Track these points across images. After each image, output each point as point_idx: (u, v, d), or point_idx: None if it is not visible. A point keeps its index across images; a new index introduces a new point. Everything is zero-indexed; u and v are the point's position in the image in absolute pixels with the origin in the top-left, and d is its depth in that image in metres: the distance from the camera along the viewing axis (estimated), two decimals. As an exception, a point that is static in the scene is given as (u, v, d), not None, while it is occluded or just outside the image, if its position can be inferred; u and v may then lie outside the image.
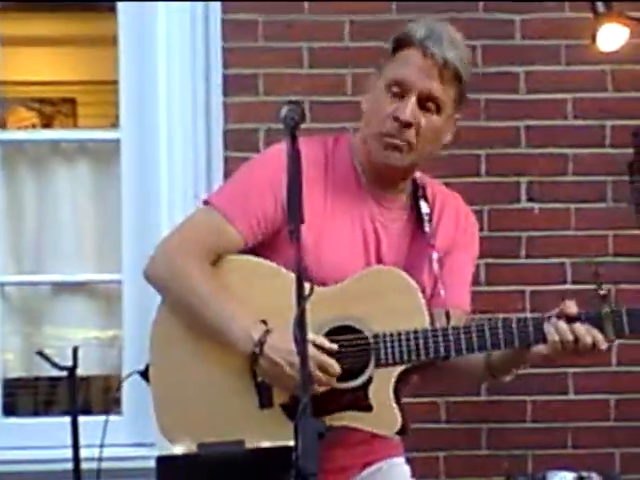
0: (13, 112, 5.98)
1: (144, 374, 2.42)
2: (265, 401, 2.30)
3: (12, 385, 3.59)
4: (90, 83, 5.95)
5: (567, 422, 3.41)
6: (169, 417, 2.35)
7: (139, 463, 3.20)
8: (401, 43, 2.34)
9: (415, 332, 2.28)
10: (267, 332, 2.26)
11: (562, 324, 2.25)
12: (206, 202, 2.42)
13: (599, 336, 2.26)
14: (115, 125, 3.55)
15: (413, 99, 2.31)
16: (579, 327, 2.25)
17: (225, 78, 3.40)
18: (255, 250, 2.37)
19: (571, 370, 3.41)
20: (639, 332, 2.26)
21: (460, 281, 2.47)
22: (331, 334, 2.30)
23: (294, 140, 2.17)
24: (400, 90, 2.32)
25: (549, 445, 3.40)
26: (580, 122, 3.47)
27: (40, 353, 2.77)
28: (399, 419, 2.29)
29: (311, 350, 2.19)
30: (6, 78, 3.48)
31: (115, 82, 3.49)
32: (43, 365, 2.81)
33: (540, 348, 2.27)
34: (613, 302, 2.31)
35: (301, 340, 1.93)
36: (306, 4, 3.42)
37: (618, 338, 2.28)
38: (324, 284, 2.27)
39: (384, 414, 2.28)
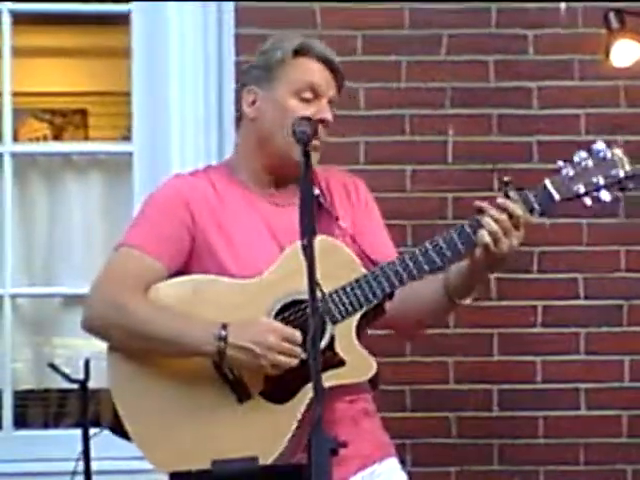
0: (24, 123, 6.00)
1: (114, 430, 2.44)
2: (242, 395, 2.34)
3: (23, 397, 3.59)
4: (101, 94, 5.96)
5: (579, 438, 3.40)
6: (158, 452, 2.37)
7: (149, 476, 3.19)
8: (298, 52, 2.47)
9: (356, 280, 2.36)
10: (225, 325, 2.31)
11: (492, 210, 2.30)
12: (120, 245, 2.48)
13: (522, 209, 2.31)
14: (126, 136, 3.56)
15: (324, 100, 2.47)
16: (505, 203, 2.30)
17: (238, 91, 3.39)
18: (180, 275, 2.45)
19: (583, 386, 3.41)
20: (546, 204, 2.34)
21: (383, 243, 2.55)
22: (281, 313, 2.36)
23: (307, 155, 2.19)
24: (313, 95, 2.46)
25: (561, 461, 3.39)
26: (593, 137, 3.42)
27: (52, 365, 2.77)
28: (372, 361, 2.35)
29: (269, 325, 2.31)
30: (17, 89, 3.48)
31: (126, 94, 3.50)
32: (54, 377, 2.81)
33: (482, 234, 2.28)
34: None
35: (313, 357, 1.93)
36: (319, 18, 3.43)
37: (531, 213, 2.33)
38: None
39: (358, 361, 2.35)
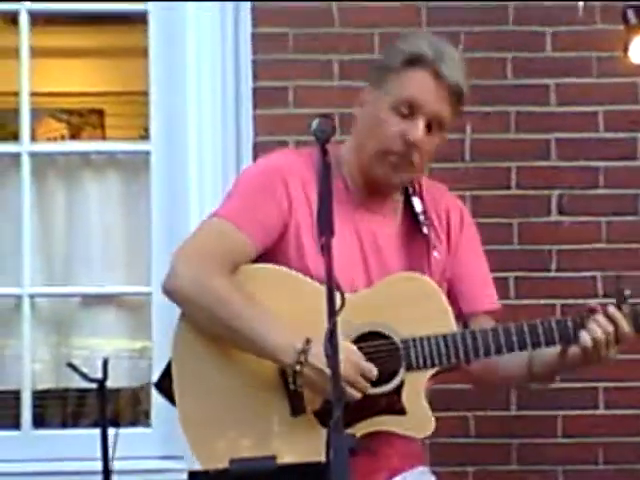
0: (42, 123, 6.02)
1: (159, 385, 2.41)
2: (297, 408, 2.31)
3: (41, 397, 3.60)
4: (118, 94, 5.98)
5: (598, 437, 3.38)
6: (197, 434, 2.34)
7: (168, 476, 3.20)
8: (410, 62, 2.35)
9: (444, 335, 2.31)
10: (309, 341, 2.26)
11: (602, 317, 2.30)
12: (214, 215, 2.42)
13: (629, 325, 2.31)
14: (143, 136, 3.56)
15: (423, 120, 2.34)
16: (614, 313, 2.29)
17: (255, 91, 3.40)
18: (261, 259, 2.38)
19: (602, 385, 3.39)
20: None
21: (482, 282, 2.50)
22: (358, 341, 2.31)
23: (325, 154, 2.18)
24: (410, 111, 2.34)
25: (580, 461, 3.37)
26: (611, 134, 3.44)
27: (70, 365, 2.77)
28: (432, 420, 2.33)
29: (351, 356, 2.23)
30: (35, 89, 3.49)
31: (143, 93, 3.50)
32: (72, 377, 2.82)
33: (584, 338, 2.28)
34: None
35: (332, 354, 1.93)
36: (336, 17, 3.42)
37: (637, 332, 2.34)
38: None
39: (418, 416, 2.32)
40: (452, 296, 2.46)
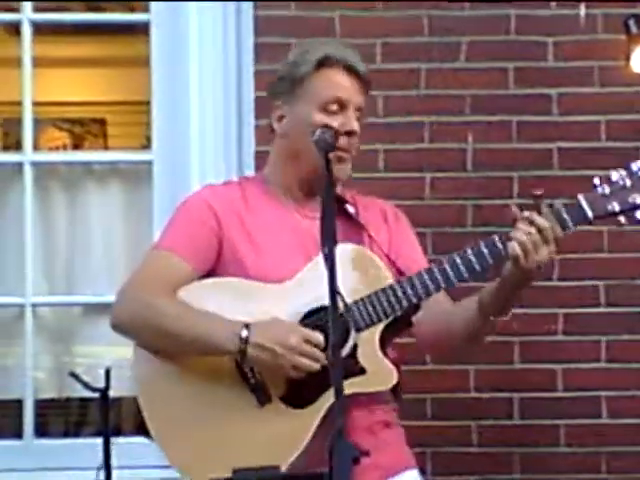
0: (44, 132, 6.02)
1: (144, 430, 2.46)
2: (263, 398, 2.35)
3: (43, 406, 3.59)
4: (120, 104, 5.99)
5: (601, 446, 3.38)
6: (176, 449, 2.38)
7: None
8: (321, 64, 2.48)
9: (383, 290, 2.37)
10: (247, 325, 2.33)
11: (521, 224, 2.29)
12: (152, 248, 2.57)
13: (550, 223, 2.31)
14: (145, 145, 3.56)
15: (352, 111, 2.49)
16: (534, 217, 2.30)
17: (257, 100, 3.40)
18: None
19: (604, 394, 3.39)
20: (578, 221, 2.35)
21: (417, 261, 2.55)
22: (305, 319, 2.38)
23: (328, 163, 2.20)
24: (339, 107, 2.47)
25: (583, 470, 3.37)
26: (614, 144, 3.45)
27: (73, 374, 2.77)
28: (393, 369, 2.36)
29: (294, 328, 2.33)
30: (37, 99, 3.50)
31: (144, 103, 3.51)
32: (74, 386, 2.81)
33: (512, 246, 2.27)
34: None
35: (337, 366, 1.93)
36: (338, 27, 3.43)
37: (564, 230, 2.33)
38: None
39: (378, 371, 2.36)
40: (396, 268, 2.53)
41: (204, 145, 3.39)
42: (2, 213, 3.53)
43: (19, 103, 3.45)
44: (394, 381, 2.37)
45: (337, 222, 2.48)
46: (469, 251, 2.35)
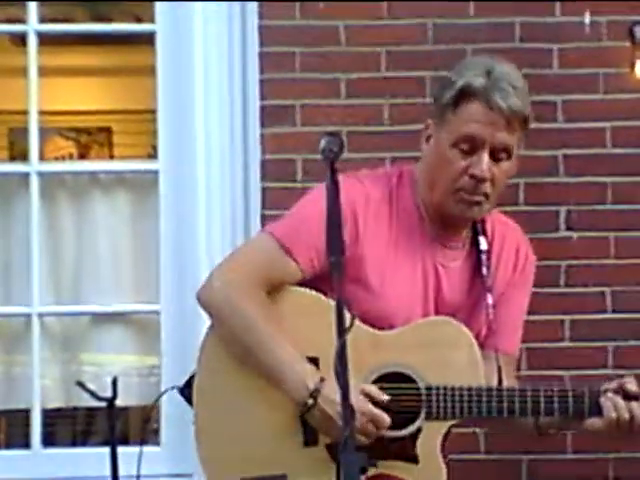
0: (50, 141, 6.04)
1: (183, 391, 2.41)
2: (310, 439, 2.30)
3: (51, 415, 3.60)
4: (125, 112, 6.00)
5: (608, 453, 3.37)
6: (209, 448, 2.34)
7: (177, 494, 3.20)
8: (461, 96, 2.32)
9: (469, 389, 2.27)
10: (322, 381, 2.24)
11: (620, 400, 2.27)
12: (267, 231, 2.41)
13: None
14: (151, 154, 3.57)
15: (486, 153, 2.31)
16: (636, 405, 2.26)
17: (262, 109, 3.41)
18: (312, 283, 2.36)
19: (611, 400, 3.38)
20: None
21: (514, 326, 2.49)
22: (382, 380, 2.29)
23: (333, 171, 2.18)
24: (470, 146, 2.31)
25: (590, 476, 3.36)
26: (619, 150, 3.45)
27: (80, 383, 2.77)
28: (444, 471, 2.30)
29: (362, 403, 2.20)
30: (43, 108, 3.50)
31: (150, 111, 3.52)
32: (82, 395, 2.81)
33: (594, 421, 2.29)
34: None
35: (342, 373, 1.92)
36: (343, 35, 3.43)
37: None
38: (381, 327, 2.26)
39: (430, 467, 2.28)
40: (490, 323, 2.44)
41: (210, 154, 3.39)
42: (9, 223, 3.54)
43: (25, 112, 3.46)
44: None
45: (466, 260, 2.42)
46: (570, 392, 2.30)
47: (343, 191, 2.31)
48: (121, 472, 2.65)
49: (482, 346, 2.40)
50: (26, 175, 3.45)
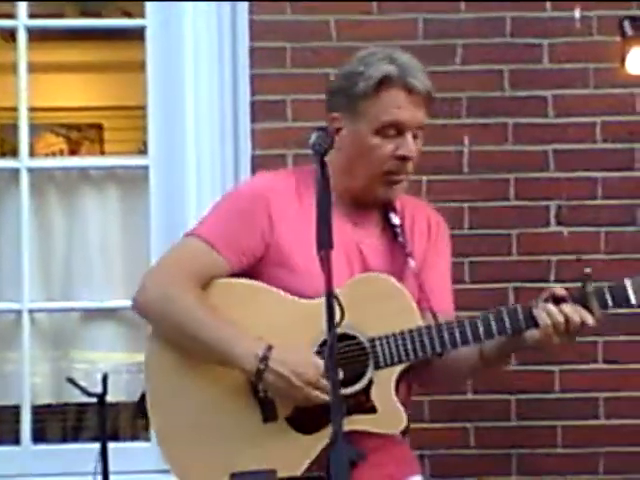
0: (40, 138, 6.03)
1: (139, 405, 2.43)
2: (269, 415, 2.33)
3: (41, 411, 3.59)
4: (116, 109, 5.99)
5: (598, 447, 3.38)
6: (176, 453, 2.37)
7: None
8: (381, 83, 2.41)
9: (410, 331, 2.34)
10: (270, 347, 2.30)
11: (551, 307, 2.32)
12: (190, 234, 2.48)
13: (586, 314, 2.34)
14: (142, 150, 3.56)
15: (410, 135, 2.43)
16: (567, 307, 2.32)
17: (253, 104, 3.41)
18: (243, 275, 2.43)
19: (602, 394, 3.39)
20: (620, 305, 2.35)
21: (443, 288, 2.55)
22: (326, 344, 2.32)
23: (323, 167, 2.19)
24: (396, 131, 2.42)
25: (581, 471, 3.37)
26: (609, 145, 3.45)
27: (70, 380, 2.78)
28: (404, 416, 2.33)
29: (314, 358, 2.29)
30: (33, 104, 3.50)
31: (141, 107, 3.51)
32: (72, 391, 2.82)
33: (533, 333, 2.33)
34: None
35: (332, 367, 1.94)
36: (334, 30, 3.43)
37: (603, 311, 2.36)
38: None
39: (389, 413, 2.32)
40: (423, 290, 2.50)
41: (200, 150, 3.39)
42: (-1, 219, 3.54)
43: (15, 109, 3.45)
44: (402, 427, 2.34)
45: (382, 236, 2.51)
46: (504, 311, 2.35)
47: (254, 184, 2.53)
48: (111, 468, 2.66)
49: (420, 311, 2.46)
50: (16, 171, 3.44)
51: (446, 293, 2.56)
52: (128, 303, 3.43)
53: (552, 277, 3.42)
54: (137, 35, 3.49)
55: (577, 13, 3.45)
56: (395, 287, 2.38)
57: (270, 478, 1.97)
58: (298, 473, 2.30)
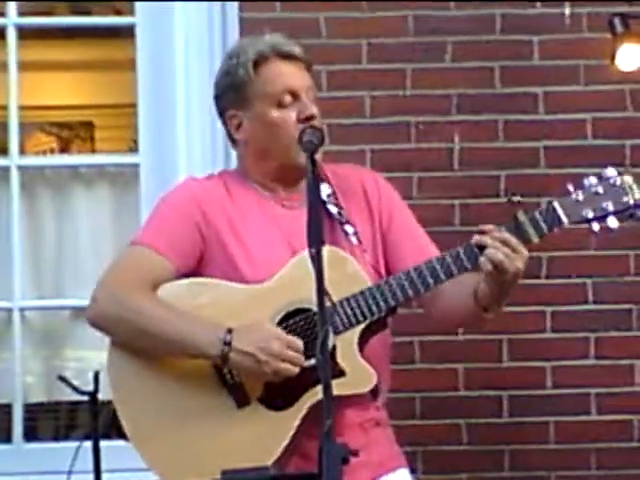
0: (31, 137, 6.01)
1: (113, 424, 2.44)
2: (241, 400, 2.34)
3: (33, 410, 3.59)
4: (107, 107, 5.98)
5: (590, 443, 3.39)
6: (152, 451, 2.37)
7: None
8: (257, 63, 2.47)
9: (361, 292, 2.37)
10: (230, 330, 2.33)
11: (489, 239, 2.33)
12: (132, 243, 2.51)
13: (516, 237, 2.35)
14: (133, 148, 3.56)
15: (304, 96, 2.48)
16: (500, 235, 2.34)
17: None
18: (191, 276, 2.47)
19: (593, 390, 3.40)
20: (553, 226, 2.37)
21: (420, 239, 2.56)
22: (283, 321, 2.37)
23: (314, 164, 2.20)
24: (291, 97, 2.47)
25: (572, 466, 3.38)
26: (600, 142, 3.46)
27: (61, 378, 2.77)
28: (372, 373, 2.36)
29: (276, 330, 2.33)
30: (24, 103, 3.50)
31: (132, 105, 3.51)
32: (63, 390, 2.81)
33: (484, 262, 2.32)
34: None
35: (323, 362, 1.94)
36: (323, 27, 3.43)
37: (540, 238, 2.37)
38: None
39: (358, 373, 2.35)
40: (396, 257, 2.52)
41: (191, 147, 3.39)
42: (-10, 218, 3.53)
43: (5, 107, 3.45)
44: (373, 383, 2.37)
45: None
46: (447, 255, 2.37)
47: (184, 185, 2.55)
48: (103, 466, 2.66)
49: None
50: (6, 169, 3.44)
51: (419, 236, 2.57)
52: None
53: (543, 273, 3.43)
54: (127, 33, 3.49)
55: (567, 10, 3.46)
56: (338, 256, 2.40)
57: (263, 474, 1.97)
58: (280, 450, 2.32)
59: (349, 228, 2.50)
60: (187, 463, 2.33)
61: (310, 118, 2.46)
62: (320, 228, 2.08)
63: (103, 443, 2.66)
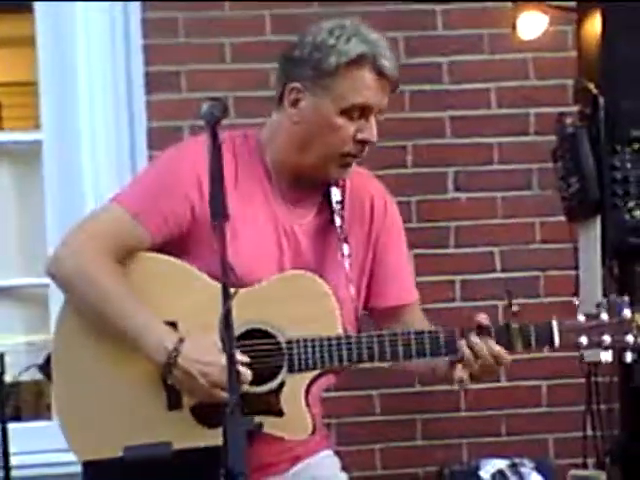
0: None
1: (42, 368, 2.37)
2: (174, 403, 2.27)
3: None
4: (13, 85, 5.88)
5: (500, 409, 3.44)
6: (71, 416, 2.31)
7: (68, 468, 3.16)
8: (352, 62, 2.28)
9: (329, 339, 2.28)
10: (180, 341, 2.23)
11: (477, 346, 2.27)
12: (113, 199, 2.36)
13: (504, 356, 2.29)
14: (38, 127, 3.49)
15: (374, 118, 2.32)
16: (492, 349, 2.27)
17: (147, 76, 3.36)
18: (164, 249, 2.33)
19: (503, 358, 3.43)
20: (543, 345, 2.31)
21: (401, 274, 2.48)
22: (243, 337, 2.27)
23: (215, 137, 2.16)
24: (361, 113, 2.31)
25: (483, 433, 3.42)
26: (504, 111, 3.49)
27: (-35, 361, 2.72)
28: (310, 424, 2.27)
29: (222, 360, 2.09)
30: None
31: (36, 83, 3.45)
32: (-30, 374, 2.76)
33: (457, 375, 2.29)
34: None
35: (228, 340, 1.91)
36: (226, 3, 3.40)
37: (525, 349, 2.32)
38: (240, 286, 2.26)
39: (295, 419, 2.27)
40: (378, 293, 2.45)
41: (94, 123, 3.35)
42: None
43: None
44: (307, 434, 2.28)
45: (318, 217, 2.40)
46: (426, 335, 2.28)
47: (186, 158, 2.33)
48: (13, 449, 2.62)
49: (373, 306, 2.43)
50: None
51: (405, 279, 2.49)
52: (25, 282, 3.43)
53: (451, 243, 3.45)
54: (28, 9, 3.42)
55: (470, -21, 3.48)
56: (322, 290, 2.30)
57: (164, 450, 1.95)
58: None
59: (346, 248, 2.38)
60: (98, 441, 2.27)
61: (365, 142, 2.31)
62: (224, 202, 2.01)
63: (12, 425, 2.63)
